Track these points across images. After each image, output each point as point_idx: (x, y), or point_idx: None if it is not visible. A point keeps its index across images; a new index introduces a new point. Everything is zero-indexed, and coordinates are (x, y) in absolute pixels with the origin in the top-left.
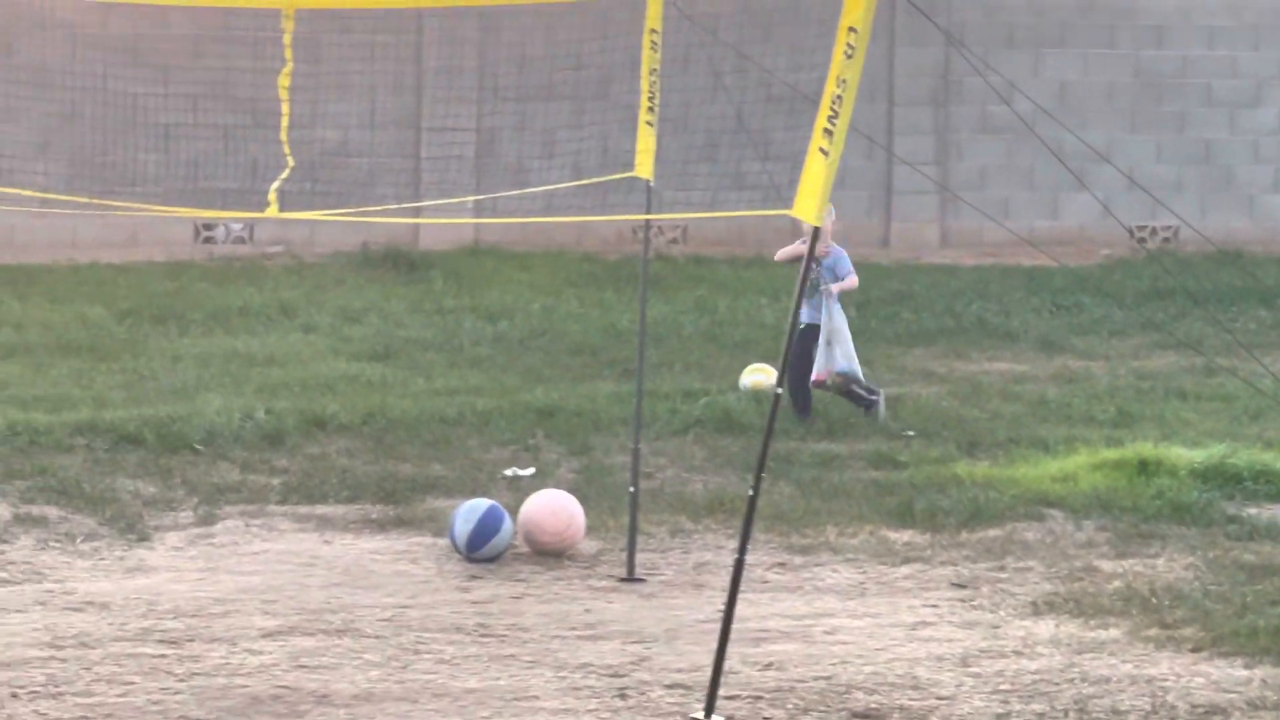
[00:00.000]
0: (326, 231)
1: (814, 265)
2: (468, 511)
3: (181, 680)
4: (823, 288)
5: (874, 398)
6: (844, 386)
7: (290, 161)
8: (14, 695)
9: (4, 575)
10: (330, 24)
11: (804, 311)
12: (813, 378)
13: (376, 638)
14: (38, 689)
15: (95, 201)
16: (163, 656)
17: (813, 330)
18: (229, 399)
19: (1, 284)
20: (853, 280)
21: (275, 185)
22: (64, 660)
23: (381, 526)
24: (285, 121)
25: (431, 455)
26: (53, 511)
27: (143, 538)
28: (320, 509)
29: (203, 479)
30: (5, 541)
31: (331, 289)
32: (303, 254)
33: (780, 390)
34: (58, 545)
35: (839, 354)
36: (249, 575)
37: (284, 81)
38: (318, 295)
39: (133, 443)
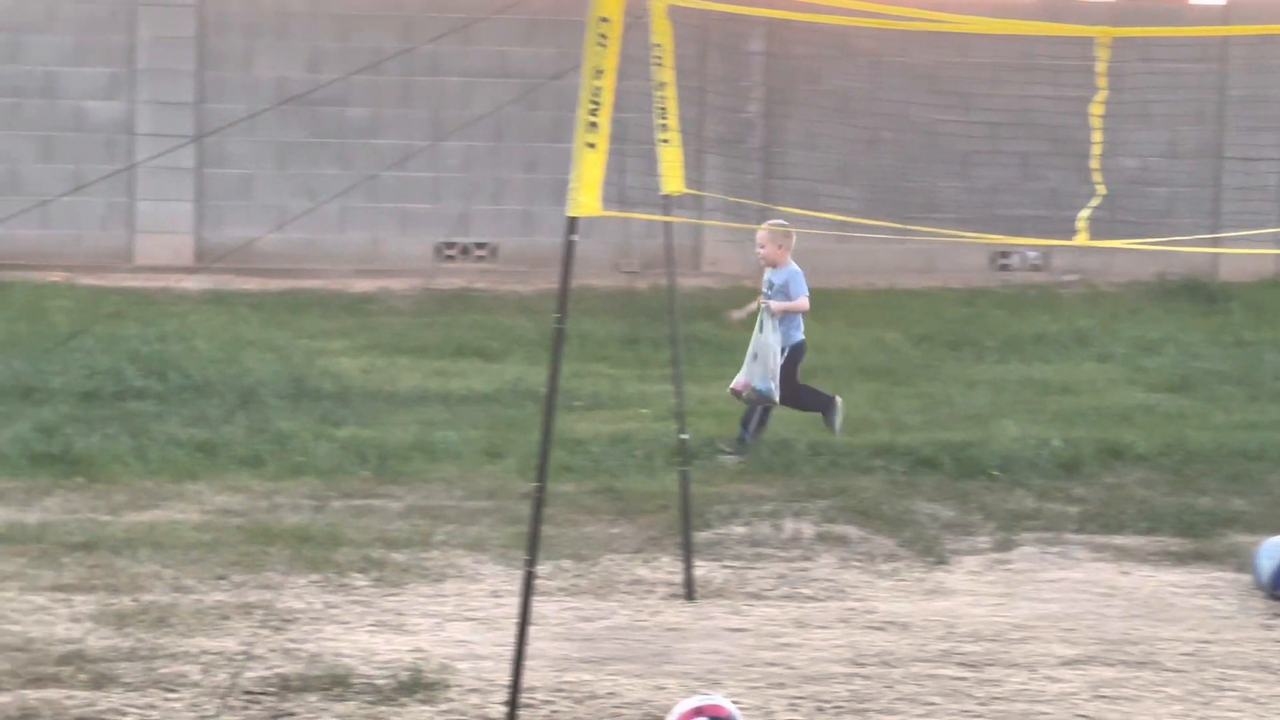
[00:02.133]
0: (1123, 260)
1: (767, 290)
2: (1272, 548)
3: (982, 704)
4: (763, 303)
5: (744, 441)
6: (756, 401)
7: (1101, 190)
8: (819, 709)
9: (808, 592)
10: (1132, 52)
11: (789, 332)
12: (731, 385)
13: (1178, 672)
14: (842, 704)
15: (894, 227)
16: (962, 679)
17: (800, 347)
18: (1024, 426)
19: None
20: (803, 302)
21: (1085, 213)
22: (867, 678)
23: (1181, 559)
24: (1097, 150)
25: (1231, 489)
26: (853, 531)
27: (940, 561)
28: (1118, 539)
29: (999, 505)
30: (809, 559)
31: (1127, 318)
32: (1098, 282)
33: None
34: (858, 564)
35: (759, 371)
36: (1046, 603)
37: (1096, 110)
38: (1113, 324)
39: (929, 466)
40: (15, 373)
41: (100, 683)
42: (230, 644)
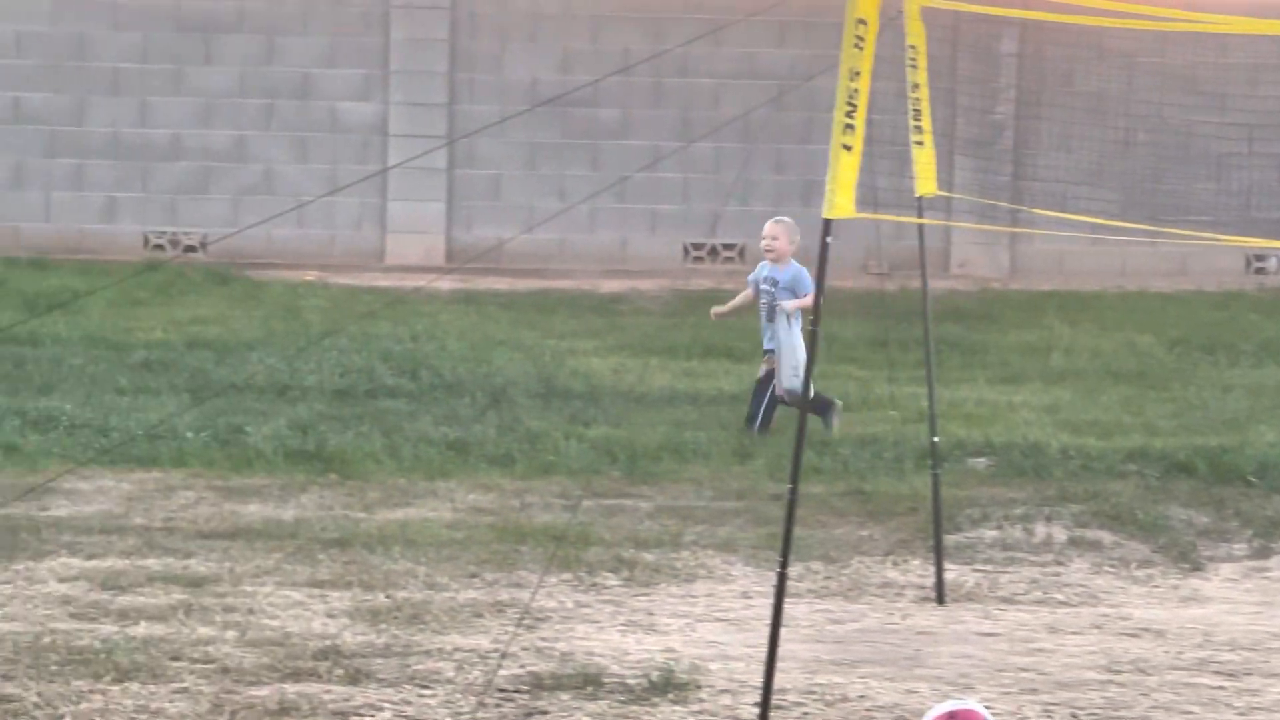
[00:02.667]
0: None
1: (770, 288)
2: None
3: (1241, 715)
4: (778, 305)
5: (830, 414)
6: (798, 403)
7: None
8: (1073, 716)
9: (1060, 597)
10: None
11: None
12: (777, 395)
13: None
14: (1097, 711)
15: (1148, 229)
16: (1220, 689)
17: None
18: None
19: (1052, 309)
20: (813, 297)
21: None
22: (1122, 685)
23: None
24: None
25: None
26: (1106, 536)
27: (1196, 567)
28: None
29: (1256, 512)
30: (1061, 564)
31: None
32: None
33: None
34: (1112, 570)
35: (788, 371)
36: None
37: None
38: None
39: (1183, 471)
40: (271, 370)
41: (356, 678)
42: (483, 641)
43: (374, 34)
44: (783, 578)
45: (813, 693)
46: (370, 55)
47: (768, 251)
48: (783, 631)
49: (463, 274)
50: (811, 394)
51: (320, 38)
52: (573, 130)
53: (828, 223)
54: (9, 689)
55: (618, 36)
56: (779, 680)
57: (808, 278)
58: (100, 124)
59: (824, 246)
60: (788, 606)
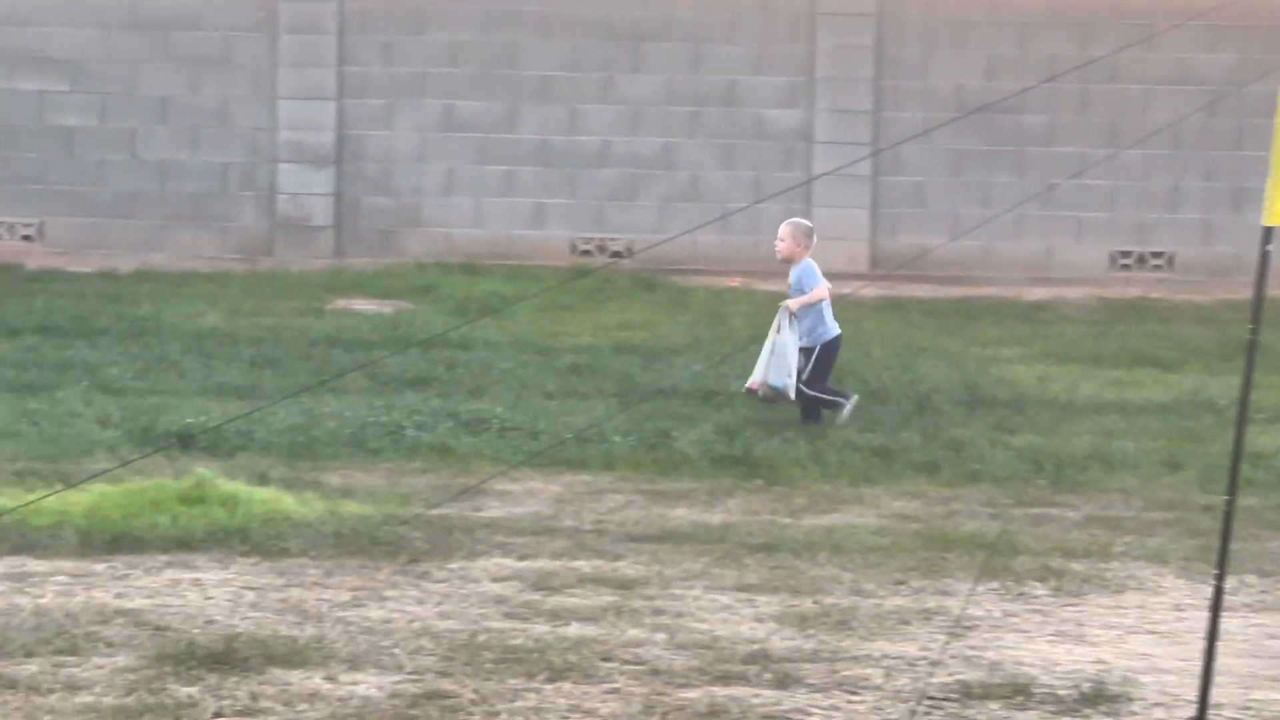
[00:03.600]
0: None
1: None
2: None
3: None
4: (783, 304)
5: (816, 421)
6: (772, 399)
7: None
8: None
9: None
10: None
11: (816, 329)
12: (747, 384)
13: None
14: None
15: None
16: None
17: (836, 341)
18: None
19: None
20: (819, 291)
21: None
22: None
23: None
24: None
25: None
26: None
27: None
28: None
29: None
30: None
31: None
32: None
33: None
34: None
35: (774, 368)
36: None
37: None
38: None
39: None
40: (696, 376)
41: (784, 682)
42: (910, 649)
43: (800, 41)
44: (1219, 590)
45: (1249, 709)
46: (796, 62)
47: (778, 253)
48: (1218, 645)
49: (886, 281)
50: (816, 393)
51: (746, 45)
52: (997, 137)
53: (1268, 230)
54: (447, 685)
55: (1044, 42)
56: (1214, 695)
57: (811, 272)
58: (530, 131)
59: (1263, 255)
60: (1222, 620)
